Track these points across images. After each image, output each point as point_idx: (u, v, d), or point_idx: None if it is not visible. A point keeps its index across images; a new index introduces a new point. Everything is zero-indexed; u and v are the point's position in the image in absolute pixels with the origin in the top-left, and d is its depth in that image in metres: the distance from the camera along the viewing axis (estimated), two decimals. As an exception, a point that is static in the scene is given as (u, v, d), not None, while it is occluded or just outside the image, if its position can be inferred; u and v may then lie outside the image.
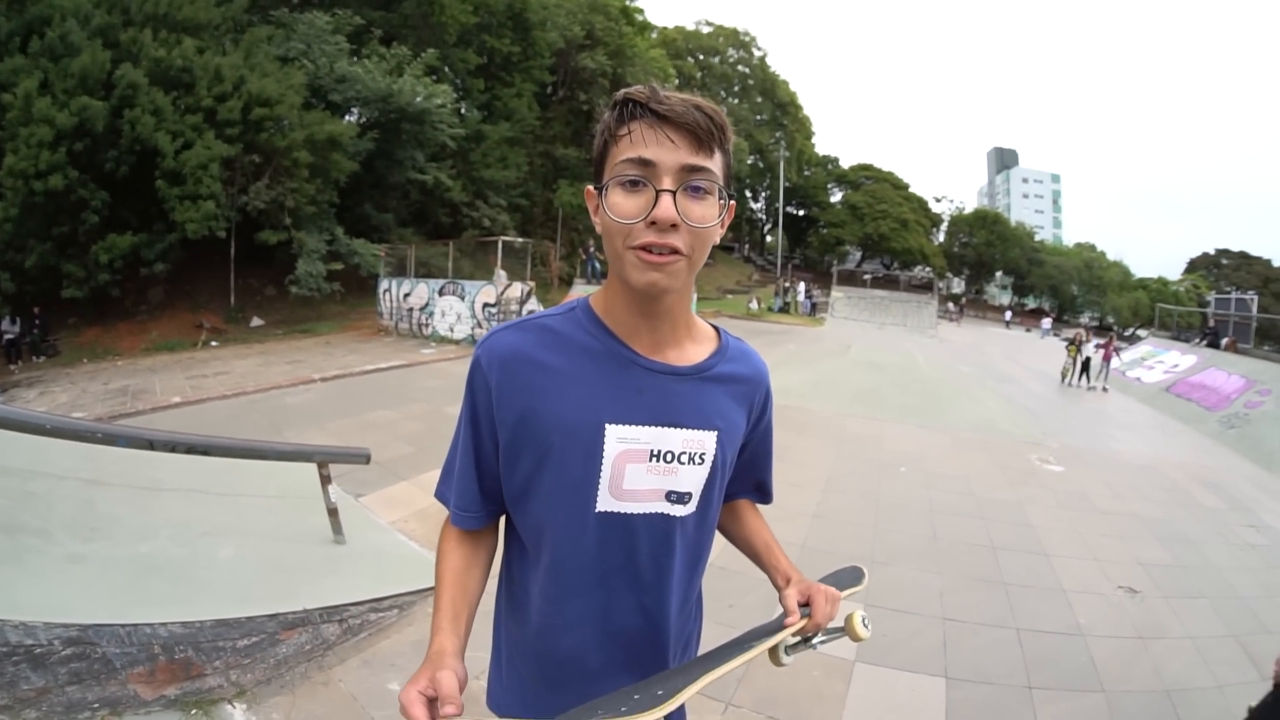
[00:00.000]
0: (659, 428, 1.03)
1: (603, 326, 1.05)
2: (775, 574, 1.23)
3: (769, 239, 52.59)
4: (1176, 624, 3.79)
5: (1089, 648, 3.45)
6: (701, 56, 44.45)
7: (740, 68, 45.69)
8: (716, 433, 1.08)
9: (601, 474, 1.01)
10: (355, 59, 20.22)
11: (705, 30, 44.81)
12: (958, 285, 51.17)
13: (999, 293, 53.63)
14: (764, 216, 52.59)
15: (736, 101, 45.41)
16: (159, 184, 15.72)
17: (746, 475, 1.30)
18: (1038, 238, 52.94)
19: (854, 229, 44.88)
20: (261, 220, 17.68)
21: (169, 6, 16.85)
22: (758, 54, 45.98)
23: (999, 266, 49.65)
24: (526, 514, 1.08)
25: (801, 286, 32.03)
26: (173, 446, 3.03)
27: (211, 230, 16.09)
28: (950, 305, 39.97)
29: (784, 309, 29.36)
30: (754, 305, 28.89)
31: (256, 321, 18.49)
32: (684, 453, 1.05)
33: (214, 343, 16.38)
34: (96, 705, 2.32)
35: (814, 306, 30.08)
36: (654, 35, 38.10)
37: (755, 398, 1.18)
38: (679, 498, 1.07)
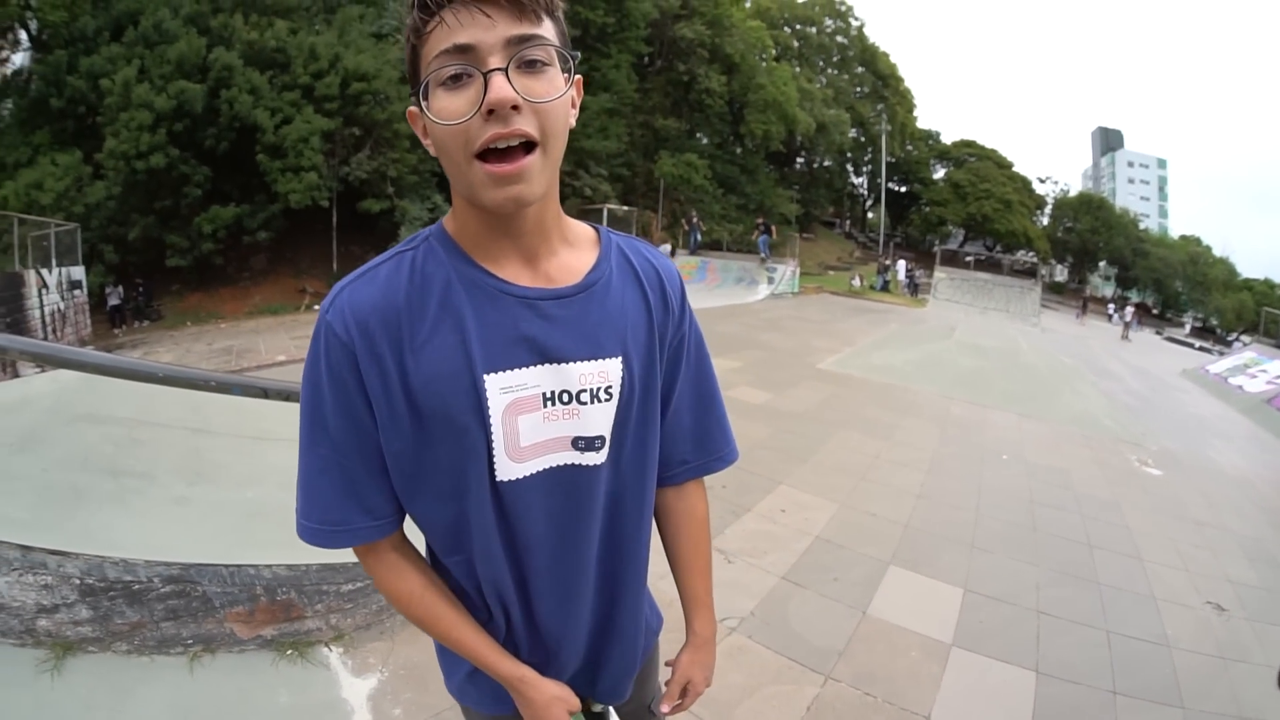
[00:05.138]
0: (547, 365, 0.85)
1: (461, 253, 0.86)
2: (688, 619, 1.14)
3: (870, 215, 51.07)
4: (1258, 650, 3.55)
5: (1173, 660, 3.30)
6: (798, 26, 43.04)
7: (838, 38, 43.99)
8: (620, 357, 0.89)
9: (494, 436, 0.83)
10: (450, 34, 20.63)
11: (800, 0, 43.51)
12: (1060, 273, 48.36)
13: (1101, 283, 50.43)
14: (865, 192, 50.82)
15: (835, 72, 43.92)
16: (260, 158, 16.46)
17: (681, 430, 1.05)
18: (1142, 226, 49.13)
19: (957, 208, 42.87)
20: (364, 190, 18.28)
21: (256, -8, 17.51)
22: (855, 24, 44.25)
23: (1103, 255, 46.39)
24: (426, 499, 0.89)
25: (901, 265, 31.04)
26: (287, 395, 2.98)
27: (314, 200, 16.80)
28: (1079, 305, 36.65)
29: (885, 287, 28.43)
30: (856, 282, 28.09)
31: (358, 287, 19.18)
32: (584, 390, 0.87)
33: (316, 306, 17.09)
34: (190, 641, 2.40)
35: (915, 286, 29.00)
36: (748, 5, 37.22)
37: (663, 297, 0.96)
38: (588, 444, 0.88)
